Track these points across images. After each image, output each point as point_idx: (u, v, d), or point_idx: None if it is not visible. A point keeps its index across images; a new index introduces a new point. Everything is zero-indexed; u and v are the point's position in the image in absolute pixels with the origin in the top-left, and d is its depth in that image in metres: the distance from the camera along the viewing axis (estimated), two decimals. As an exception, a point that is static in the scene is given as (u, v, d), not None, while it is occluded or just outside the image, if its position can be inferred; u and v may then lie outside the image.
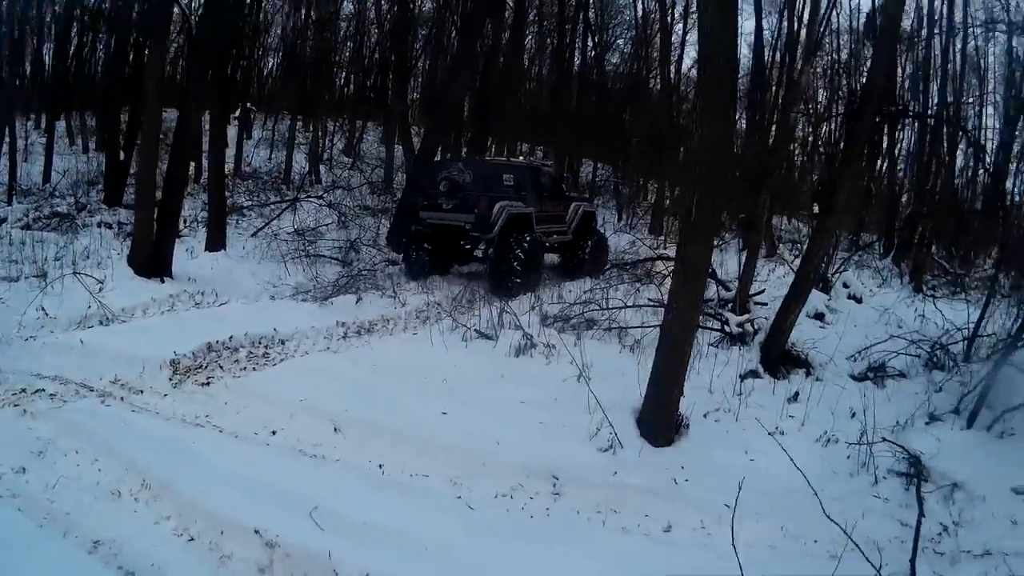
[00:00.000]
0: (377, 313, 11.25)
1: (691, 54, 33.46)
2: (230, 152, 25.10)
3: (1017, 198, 25.29)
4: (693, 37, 31.44)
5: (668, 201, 24.13)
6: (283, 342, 9.34)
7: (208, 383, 7.79)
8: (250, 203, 20.32)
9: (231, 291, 11.82)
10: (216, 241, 14.68)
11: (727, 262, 15.20)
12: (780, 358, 9.56)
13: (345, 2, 30.08)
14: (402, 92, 25.39)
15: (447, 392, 7.86)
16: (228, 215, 16.85)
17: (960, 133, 21.48)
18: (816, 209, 13.49)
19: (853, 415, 7.82)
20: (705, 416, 7.67)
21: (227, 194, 18.60)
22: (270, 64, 34.56)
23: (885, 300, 13.32)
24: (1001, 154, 23.01)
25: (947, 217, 21.53)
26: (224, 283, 12.32)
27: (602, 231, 18.09)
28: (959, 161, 25.82)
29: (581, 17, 29.77)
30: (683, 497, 6.09)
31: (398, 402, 7.31)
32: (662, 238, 21.66)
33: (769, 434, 6.95)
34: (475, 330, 10.09)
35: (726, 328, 10.56)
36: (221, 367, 8.28)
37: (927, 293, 16.60)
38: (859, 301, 13.24)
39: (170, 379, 7.88)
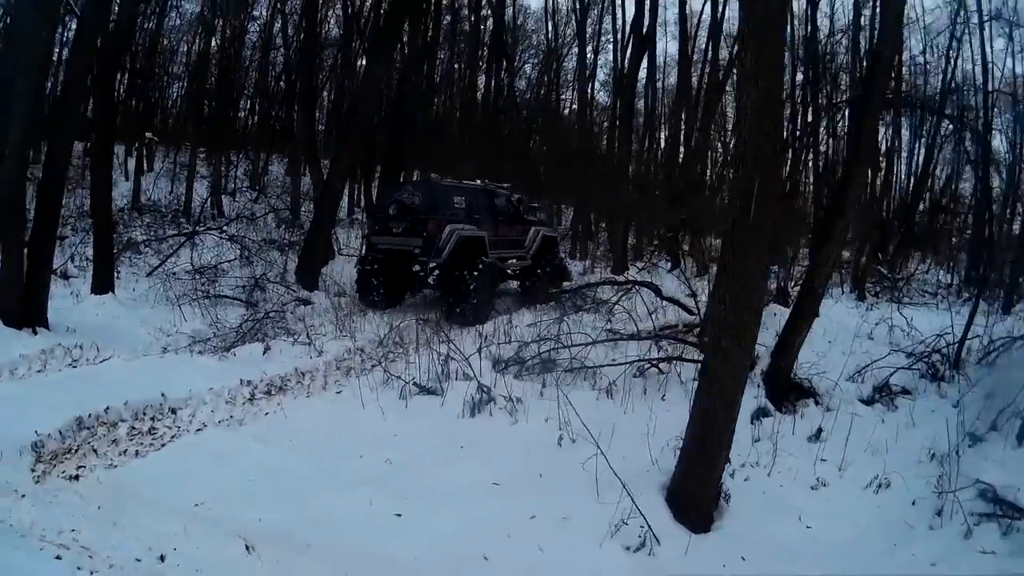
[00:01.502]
0: (290, 365, 9.17)
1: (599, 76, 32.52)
2: (128, 185, 23.16)
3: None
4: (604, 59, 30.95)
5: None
6: (174, 411, 7.20)
7: (78, 476, 5.64)
8: (145, 238, 17.82)
9: (117, 342, 9.59)
10: (103, 283, 12.35)
11: (665, 283, 14.12)
12: (787, 389, 8.50)
13: (249, 31, 27.87)
14: (309, 117, 23.36)
15: (394, 477, 5.97)
16: (121, 252, 14.76)
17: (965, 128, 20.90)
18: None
19: (888, 451, 6.79)
20: (732, 475, 6.16)
21: (122, 229, 16.86)
22: (174, 94, 32.29)
23: (835, 311, 12.86)
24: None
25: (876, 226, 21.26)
26: (109, 333, 10.07)
27: (564, 257, 17.25)
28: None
29: (491, 40, 28.62)
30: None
31: (332, 500, 5.39)
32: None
33: (812, 488, 6.20)
34: (414, 384, 8.20)
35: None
36: (95, 451, 6.13)
37: (871, 302, 16.88)
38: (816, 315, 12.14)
39: (32, 469, 5.65)
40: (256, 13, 27.67)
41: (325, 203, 15.80)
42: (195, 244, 16.21)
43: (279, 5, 26.87)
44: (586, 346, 9.47)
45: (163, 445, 6.41)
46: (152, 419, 6.95)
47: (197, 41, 27.53)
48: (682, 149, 25.28)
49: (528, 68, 33.76)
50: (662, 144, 28.74)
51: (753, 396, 7.93)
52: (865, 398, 8.62)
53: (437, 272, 12.82)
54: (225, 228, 18.27)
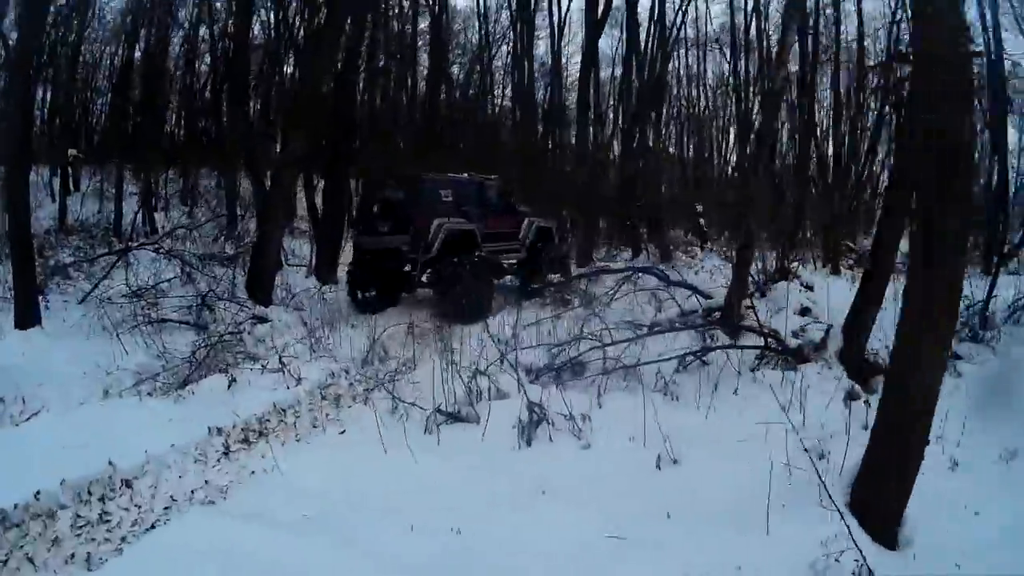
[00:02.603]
0: (265, 400, 7.19)
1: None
2: (54, 207, 20.65)
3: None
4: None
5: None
6: (129, 484, 5.20)
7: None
8: (73, 259, 15.43)
9: (46, 388, 7.48)
10: (27, 315, 10.13)
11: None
12: (862, 367, 7.76)
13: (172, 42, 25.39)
14: (243, 116, 21.07)
15: (468, 555, 4.29)
16: (48, 279, 12.54)
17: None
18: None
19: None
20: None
21: (49, 252, 14.80)
22: (98, 110, 29.26)
23: (836, 287, 11.66)
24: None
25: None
26: (37, 375, 7.87)
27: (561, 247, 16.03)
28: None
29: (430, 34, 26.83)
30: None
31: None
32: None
33: (950, 470, 5.54)
34: (438, 411, 6.48)
35: (770, 343, 7.94)
36: (30, 560, 4.23)
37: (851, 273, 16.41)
38: (811, 289, 11.43)
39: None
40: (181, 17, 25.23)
41: (274, 202, 13.68)
42: (129, 263, 13.81)
43: (206, 9, 24.52)
44: (628, 343, 7.98)
45: (123, 541, 4.53)
46: (102, 499, 4.98)
47: (120, 51, 25.07)
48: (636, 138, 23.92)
49: (455, 68, 31.99)
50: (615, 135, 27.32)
51: (835, 378, 7.27)
52: None
53: (428, 269, 11.96)
54: (161, 244, 15.97)
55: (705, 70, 32.04)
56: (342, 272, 15.78)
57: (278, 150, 16.21)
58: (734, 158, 30.52)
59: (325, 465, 5.64)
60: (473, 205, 13.28)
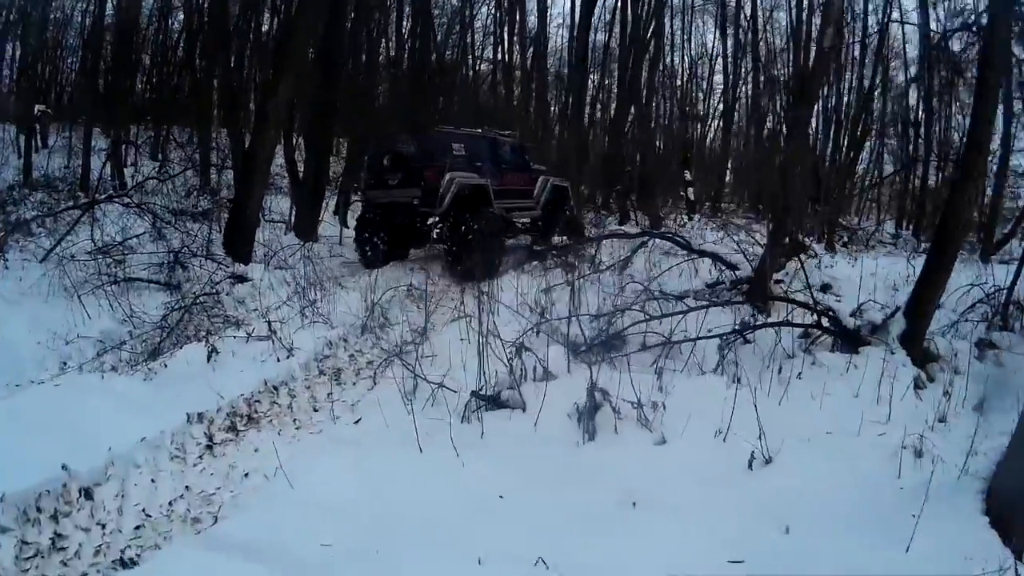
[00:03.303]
0: (253, 377, 6.00)
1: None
2: (20, 163, 19.17)
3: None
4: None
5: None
6: (89, 494, 3.97)
7: None
8: (36, 214, 13.93)
9: (-4, 360, 6.30)
10: (-21, 276, 8.91)
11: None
12: (921, 352, 6.74)
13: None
14: (224, 58, 19.57)
15: None
16: (8, 235, 11.31)
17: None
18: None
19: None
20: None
21: (11, 208, 13.73)
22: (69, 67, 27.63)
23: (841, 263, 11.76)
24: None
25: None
26: None
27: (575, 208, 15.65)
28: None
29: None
30: None
31: None
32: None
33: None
34: (474, 395, 5.32)
35: (823, 322, 6.90)
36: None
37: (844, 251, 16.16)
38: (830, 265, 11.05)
39: None
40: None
41: (257, 152, 12.27)
42: (96, 219, 12.40)
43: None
44: (682, 315, 6.86)
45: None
46: (55, 519, 3.75)
47: (92, 7, 23.14)
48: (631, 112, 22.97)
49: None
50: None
51: (902, 364, 6.22)
52: (978, 356, 7.00)
53: (439, 223, 11.46)
54: (130, 197, 14.49)
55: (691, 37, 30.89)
56: (323, 230, 14.99)
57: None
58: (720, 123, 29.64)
59: (343, 469, 4.41)
60: (487, 160, 12.59)
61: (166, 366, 6.29)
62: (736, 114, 28.51)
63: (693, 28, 30.59)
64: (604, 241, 11.82)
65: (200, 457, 4.66)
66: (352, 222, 14.76)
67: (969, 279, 8.69)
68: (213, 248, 11.73)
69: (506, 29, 26.91)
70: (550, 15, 27.73)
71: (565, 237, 13.56)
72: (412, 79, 23.93)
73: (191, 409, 5.09)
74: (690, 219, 19.92)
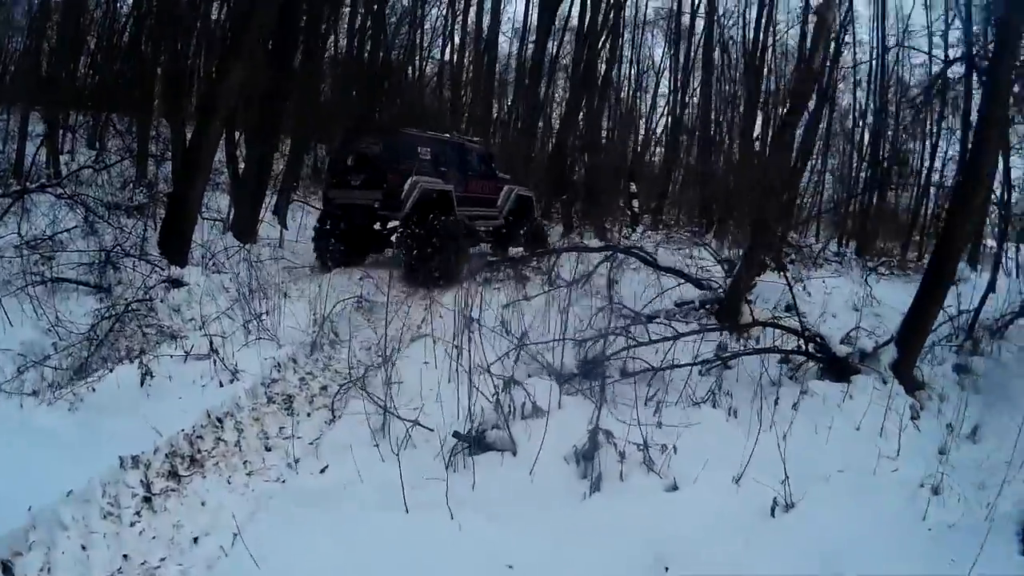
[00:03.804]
0: (194, 406, 5.21)
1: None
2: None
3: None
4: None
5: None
6: (8, 569, 3.20)
7: None
8: (-43, 201, 12.59)
9: None
10: None
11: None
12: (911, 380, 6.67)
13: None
14: (171, 49, 18.63)
15: None
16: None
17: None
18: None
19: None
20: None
21: None
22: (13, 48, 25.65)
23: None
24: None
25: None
26: None
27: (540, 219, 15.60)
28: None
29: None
30: None
31: None
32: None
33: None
34: (455, 436, 4.73)
35: (808, 347, 6.71)
36: None
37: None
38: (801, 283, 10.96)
39: None
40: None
41: (200, 144, 11.25)
42: (26, 209, 11.40)
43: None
44: (673, 340, 6.53)
45: None
46: None
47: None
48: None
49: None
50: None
51: (897, 394, 6.11)
52: (959, 381, 7.13)
53: (400, 228, 11.12)
54: (63, 186, 13.33)
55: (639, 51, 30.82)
56: (263, 231, 14.28)
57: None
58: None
59: (317, 538, 3.72)
60: (452, 166, 12.51)
61: (94, 390, 5.49)
62: (681, 127, 28.41)
63: (642, 42, 30.57)
64: (563, 255, 11.26)
65: (138, 514, 3.92)
66: (291, 223, 14.09)
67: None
68: (148, 247, 10.84)
69: (456, 30, 26.69)
70: (502, 19, 27.50)
71: (521, 248, 13.05)
72: (359, 76, 23.28)
73: (124, 450, 4.30)
74: (633, 231, 19.73)
